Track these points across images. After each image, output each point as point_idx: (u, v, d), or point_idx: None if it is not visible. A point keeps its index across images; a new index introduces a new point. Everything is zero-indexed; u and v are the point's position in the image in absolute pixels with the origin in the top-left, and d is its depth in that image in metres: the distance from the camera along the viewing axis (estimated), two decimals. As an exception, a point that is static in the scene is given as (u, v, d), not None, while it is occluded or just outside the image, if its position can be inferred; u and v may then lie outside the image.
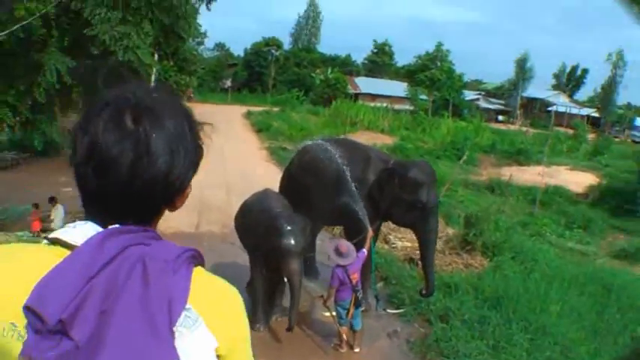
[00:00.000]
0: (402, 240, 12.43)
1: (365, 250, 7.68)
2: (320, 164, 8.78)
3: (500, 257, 11.43)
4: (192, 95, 51.33)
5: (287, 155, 23.33)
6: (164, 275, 1.27)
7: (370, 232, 7.96)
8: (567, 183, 24.25)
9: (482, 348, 7.88)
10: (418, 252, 11.37)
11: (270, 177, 18.96)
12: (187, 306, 1.29)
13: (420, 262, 10.04)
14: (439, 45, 58.55)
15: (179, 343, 1.24)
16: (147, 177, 1.35)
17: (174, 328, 1.24)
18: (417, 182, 8.15)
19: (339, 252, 7.33)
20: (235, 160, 22.02)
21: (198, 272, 1.38)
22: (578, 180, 26.16)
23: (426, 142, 33.58)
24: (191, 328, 1.29)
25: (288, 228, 7.29)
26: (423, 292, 8.65)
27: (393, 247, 12.11)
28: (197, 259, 1.41)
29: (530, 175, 24.89)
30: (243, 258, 10.16)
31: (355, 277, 7.38)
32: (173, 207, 1.56)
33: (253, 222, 7.87)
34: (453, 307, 8.92)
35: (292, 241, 7.24)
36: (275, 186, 16.37)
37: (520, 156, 31.20)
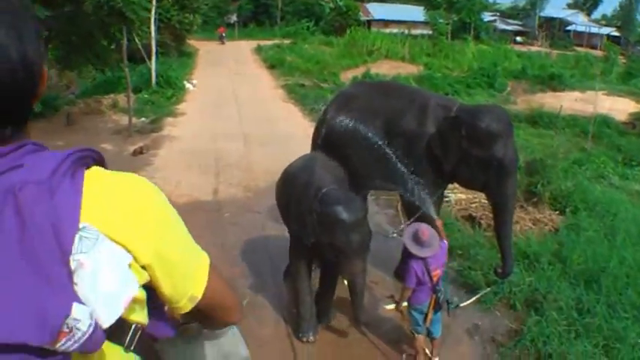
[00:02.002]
0: (454, 192, 10.48)
1: (445, 241, 5.81)
2: (356, 135, 6.81)
3: (572, 210, 9.69)
4: (224, 35, 49.15)
5: (306, 93, 21.90)
6: (40, 201, 1.12)
7: (439, 222, 6.07)
8: (608, 110, 22.19)
9: (589, 350, 6.07)
10: (475, 205, 9.84)
11: (291, 120, 17.42)
12: (82, 225, 1.16)
13: (477, 223, 8.61)
14: (456, -35, 55.59)
15: (80, 274, 1.13)
16: (4, 73, 1.18)
17: (70, 259, 1.12)
18: (491, 133, 6.12)
19: (418, 239, 5.36)
20: (250, 103, 20.25)
21: (92, 175, 1.27)
22: (618, 107, 24.00)
23: (451, 69, 31.51)
24: (91, 252, 1.16)
25: (352, 219, 5.29)
26: (499, 270, 6.71)
27: (447, 202, 10.12)
28: (89, 159, 1.31)
29: (567, 102, 23.00)
30: (274, 233, 8.44)
31: (437, 274, 5.48)
32: (39, 96, 1.32)
33: (295, 198, 5.91)
34: (541, 288, 7.07)
35: (357, 238, 5.30)
36: (298, 130, 14.87)
37: (553, 81, 28.98)
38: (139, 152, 13.15)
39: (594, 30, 70.87)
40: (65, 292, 1.10)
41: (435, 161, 6.44)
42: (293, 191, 6.02)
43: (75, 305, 1.10)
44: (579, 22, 73.02)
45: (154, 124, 16.68)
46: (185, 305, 1.46)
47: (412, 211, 6.61)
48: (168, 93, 21.46)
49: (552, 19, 72.69)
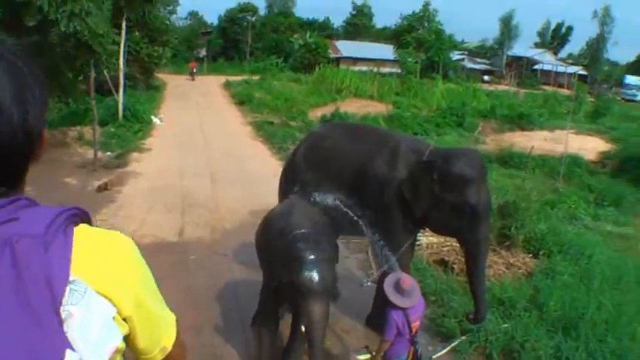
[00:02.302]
0: (425, 235, 10.18)
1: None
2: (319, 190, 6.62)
3: (546, 253, 9.55)
4: (195, 71, 48.20)
5: (274, 131, 21.77)
6: (35, 254, 1.17)
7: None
8: (577, 150, 22.21)
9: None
10: (447, 249, 9.62)
11: (259, 159, 17.18)
12: (72, 278, 1.21)
13: (448, 266, 8.57)
14: (426, 4, 56.69)
15: (70, 324, 1.18)
16: (4, 137, 1.23)
17: (61, 309, 1.17)
18: (464, 178, 5.89)
19: (400, 289, 5.11)
20: (218, 140, 19.98)
21: (80, 232, 1.30)
22: (587, 146, 24.13)
23: (420, 108, 31.45)
24: (79, 304, 1.20)
25: (311, 257, 5.06)
26: (471, 316, 6.41)
27: (418, 245, 9.82)
28: (78, 217, 1.34)
29: (537, 141, 22.93)
30: (242, 277, 8.12)
31: (416, 325, 5.24)
32: (37, 157, 1.38)
33: (270, 242, 5.68)
34: (518, 336, 6.82)
35: (315, 277, 5.00)
36: (267, 169, 14.61)
37: (522, 120, 29.06)
38: (103, 188, 12.74)
39: (561, 69, 71.78)
40: (59, 339, 1.14)
41: (406, 206, 6.20)
42: (269, 235, 5.81)
43: (68, 352, 1.15)
44: (546, 60, 73.89)
45: (120, 159, 16.31)
46: (155, 356, 1.51)
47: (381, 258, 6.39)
48: (135, 127, 21.10)
49: (519, 58, 73.47)
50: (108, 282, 1.29)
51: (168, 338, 1.54)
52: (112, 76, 21.52)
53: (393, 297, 5.10)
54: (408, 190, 6.15)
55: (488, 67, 71.59)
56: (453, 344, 6.89)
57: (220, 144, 19.23)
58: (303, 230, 5.39)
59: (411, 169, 6.18)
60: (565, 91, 53.58)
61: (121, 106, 21.71)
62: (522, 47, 76.12)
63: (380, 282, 6.48)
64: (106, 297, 1.27)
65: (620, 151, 22.44)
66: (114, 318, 1.29)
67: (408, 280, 5.18)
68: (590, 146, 24.26)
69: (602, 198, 16.37)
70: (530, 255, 9.69)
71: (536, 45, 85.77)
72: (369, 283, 7.05)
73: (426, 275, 8.59)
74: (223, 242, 9.65)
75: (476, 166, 6.03)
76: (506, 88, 53.57)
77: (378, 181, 6.35)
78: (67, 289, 1.19)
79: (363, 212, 6.27)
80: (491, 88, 50.97)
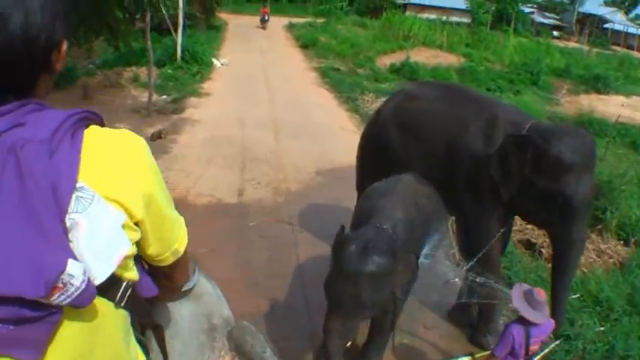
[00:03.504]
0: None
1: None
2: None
3: (638, 241, 8.61)
4: (267, 18, 41.57)
5: (341, 78, 20.77)
6: (40, 160, 1.16)
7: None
8: (658, 122, 20.69)
9: None
10: (534, 228, 8.49)
11: (326, 108, 16.36)
12: (79, 185, 1.20)
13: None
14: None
15: (75, 233, 1.17)
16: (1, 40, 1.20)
17: (66, 217, 1.16)
18: (561, 162, 4.78)
19: (532, 300, 4.23)
20: (281, 86, 18.92)
21: (90, 134, 1.29)
22: (667, 118, 22.58)
23: (492, 61, 29.91)
24: (85, 212, 1.19)
25: (347, 267, 3.97)
26: None
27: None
28: (90, 120, 1.33)
29: (613, 107, 21.49)
30: (309, 252, 7.26)
31: (535, 348, 4.40)
32: (52, 70, 1.37)
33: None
34: (619, 347, 5.92)
35: (341, 292, 3.99)
36: (333, 121, 13.75)
37: (598, 83, 26.99)
38: (157, 137, 11.88)
39: (632, 30, 69.17)
40: (61, 249, 1.13)
41: (493, 186, 5.22)
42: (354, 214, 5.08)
43: (70, 261, 1.13)
44: (617, 20, 71.35)
45: (176, 103, 15.49)
46: (167, 258, 1.53)
47: (470, 248, 5.51)
48: (194, 69, 20.27)
49: (590, 15, 71.15)
50: (117, 186, 1.27)
51: (180, 240, 1.55)
52: (170, 15, 20.66)
53: (526, 311, 4.23)
54: (496, 166, 5.15)
55: (557, 23, 69.39)
56: (547, 349, 6.03)
57: (284, 91, 18.22)
58: (372, 223, 4.36)
59: (504, 142, 5.13)
60: (637, 54, 51.22)
61: (179, 47, 20.85)
62: (593, 4, 73.95)
63: (466, 277, 5.65)
64: (115, 202, 1.25)
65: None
66: (123, 225, 1.27)
67: (542, 294, 4.31)
68: (670, 119, 22.70)
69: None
70: (622, 242, 8.73)
71: (606, 3, 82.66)
72: (455, 280, 6.21)
73: (513, 262, 7.58)
74: (288, 207, 8.74)
75: (581, 151, 4.86)
76: (576, 45, 51.51)
77: (471, 156, 5.37)
78: (74, 196, 1.17)
79: (452, 190, 5.42)
80: (561, 44, 48.95)
